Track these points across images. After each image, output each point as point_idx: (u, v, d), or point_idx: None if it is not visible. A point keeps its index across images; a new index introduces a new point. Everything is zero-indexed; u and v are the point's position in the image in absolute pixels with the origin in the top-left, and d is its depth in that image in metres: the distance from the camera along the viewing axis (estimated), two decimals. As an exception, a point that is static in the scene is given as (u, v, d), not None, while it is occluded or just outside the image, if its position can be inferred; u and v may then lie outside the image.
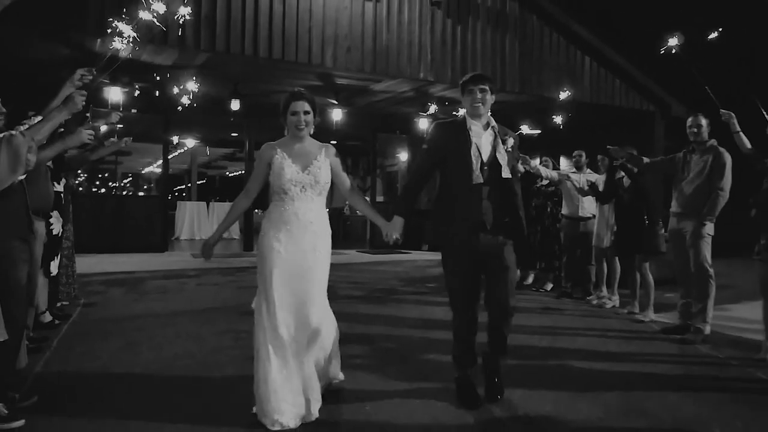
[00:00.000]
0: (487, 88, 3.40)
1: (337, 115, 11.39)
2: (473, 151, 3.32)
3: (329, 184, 3.33)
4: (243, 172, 26.32)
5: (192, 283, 8.04)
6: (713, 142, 5.00)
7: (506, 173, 3.34)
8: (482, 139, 3.37)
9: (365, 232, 15.34)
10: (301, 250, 3.16)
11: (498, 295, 3.37)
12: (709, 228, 4.93)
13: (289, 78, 9.99)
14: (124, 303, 6.38)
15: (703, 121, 5.05)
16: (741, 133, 4.60)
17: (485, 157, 3.34)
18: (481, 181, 3.30)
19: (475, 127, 3.40)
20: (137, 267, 9.22)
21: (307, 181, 3.20)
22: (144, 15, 4.11)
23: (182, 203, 17.26)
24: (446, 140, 3.44)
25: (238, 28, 8.62)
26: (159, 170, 16.36)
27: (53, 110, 3.10)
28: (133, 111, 10.69)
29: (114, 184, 20.47)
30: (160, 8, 4.13)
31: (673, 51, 4.87)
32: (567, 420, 3.28)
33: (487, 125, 3.43)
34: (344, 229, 17.85)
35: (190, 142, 16.70)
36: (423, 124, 11.92)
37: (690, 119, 5.15)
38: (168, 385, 3.74)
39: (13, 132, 2.69)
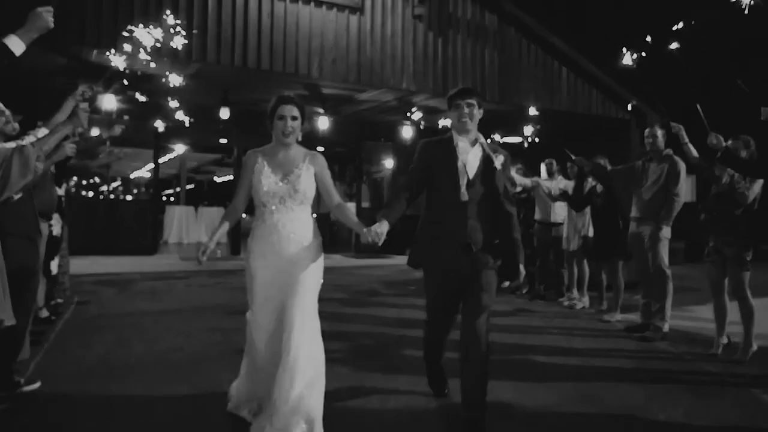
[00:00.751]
0: (474, 102, 3.25)
1: (323, 123, 11.71)
2: (460, 167, 3.20)
3: (313, 193, 3.17)
4: (231, 177, 26.73)
5: (180, 284, 8.32)
6: (669, 151, 5.39)
7: (498, 193, 3.23)
8: (469, 156, 3.23)
9: (351, 236, 15.65)
10: (285, 264, 3.03)
11: (471, 323, 3.19)
12: (666, 232, 5.32)
13: (277, 87, 10.26)
14: (116, 302, 6.66)
15: (659, 132, 5.45)
16: (689, 144, 4.98)
17: (471, 174, 3.21)
18: (466, 199, 3.15)
19: (462, 144, 3.26)
20: (128, 268, 9.49)
21: (285, 191, 3.06)
22: (148, 38, 4.42)
23: (171, 207, 17.48)
24: (432, 158, 3.29)
25: (228, 40, 8.94)
26: (148, 174, 16.61)
27: (59, 124, 3.41)
28: (125, 117, 10.97)
29: (103, 188, 20.63)
30: (158, 34, 4.46)
31: (631, 65, 5.15)
32: (525, 406, 3.62)
33: (474, 141, 3.29)
34: (331, 234, 18.13)
35: (180, 148, 16.94)
36: (407, 132, 12.26)
37: (647, 130, 5.56)
38: (160, 374, 4.05)
39: (24, 143, 3.00)
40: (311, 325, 3.04)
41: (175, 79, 8.36)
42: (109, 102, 9.87)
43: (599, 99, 12.93)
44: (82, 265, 8.89)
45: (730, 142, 4.46)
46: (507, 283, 8.37)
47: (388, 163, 15.69)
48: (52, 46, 8.08)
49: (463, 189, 3.17)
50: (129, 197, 25.21)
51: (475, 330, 3.14)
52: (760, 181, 4.53)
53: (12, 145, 3.02)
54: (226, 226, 3.18)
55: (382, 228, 3.03)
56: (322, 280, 3.17)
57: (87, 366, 4.18)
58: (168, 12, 5.57)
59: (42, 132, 3.58)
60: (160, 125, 9.41)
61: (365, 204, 16.15)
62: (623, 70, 5.29)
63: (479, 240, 3.18)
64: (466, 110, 3.23)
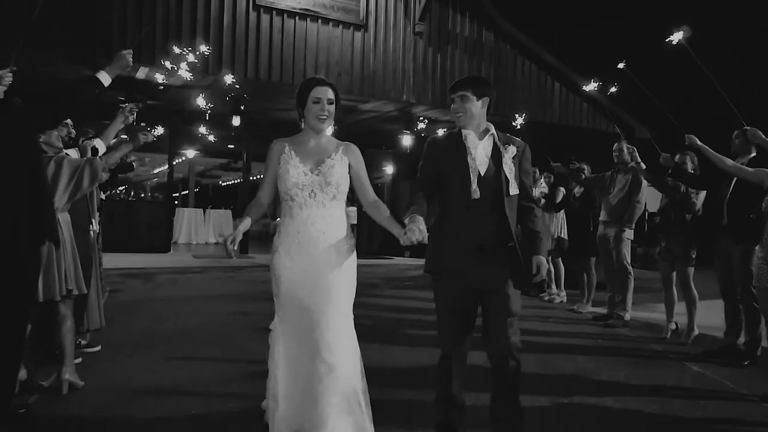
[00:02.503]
0: (467, 93, 2.86)
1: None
2: (469, 162, 2.85)
3: (346, 187, 2.84)
4: (238, 181, 27.51)
5: (198, 277, 9.12)
6: (633, 164, 6.17)
7: (513, 189, 2.84)
8: (478, 149, 2.87)
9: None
10: (314, 266, 2.70)
11: (495, 336, 2.85)
12: (629, 233, 6.10)
13: (286, 98, 11.09)
14: (144, 290, 7.43)
15: (625, 147, 6.23)
16: (641, 163, 5.84)
17: (483, 169, 2.84)
18: (477, 196, 2.81)
19: (471, 137, 2.90)
20: (147, 264, 10.27)
21: (316, 182, 2.74)
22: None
23: (180, 210, 18.23)
24: (441, 154, 2.96)
25: (242, 55, 9.78)
26: (155, 179, 17.42)
27: (123, 144, 4.20)
28: (142, 124, 11.80)
29: (114, 191, 21.33)
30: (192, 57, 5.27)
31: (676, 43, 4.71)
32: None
33: (485, 133, 2.91)
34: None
35: (190, 153, 17.74)
36: (407, 140, 13.03)
37: (615, 145, 6.33)
38: (195, 343, 4.83)
39: (94, 157, 3.80)
40: (348, 337, 2.73)
41: (235, 121, 9.31)
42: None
43: (590, 113, 13.75)
44: (105, 260, 9.67)
45: (678, 156, 5.25)
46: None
47: (389, 169, 16.41)
48: (81, 58, 8.90)
49: (474, 186, 2.82)
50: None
51: (498, 339, 2.83)
52: (704, 192, 5.32)
53: (73, 154, 3.83)
54: (248, 221, 2.81)
55: (420, 224, 2.62)
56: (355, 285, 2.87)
57: (132, 337, 4.95)
58: (202, 42, 6.41)
59: (97, 142, 4.36)
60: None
61: (364, 209, 16.88)
62: (617, 86, 5.84)
63: (491, 243, 2.81)
64: (458, 104, 2.89)
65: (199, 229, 17.98)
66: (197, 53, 6.23)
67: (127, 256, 11.15)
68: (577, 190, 7.34)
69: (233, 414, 3.32)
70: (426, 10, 11.26)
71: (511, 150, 2.88)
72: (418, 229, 2.58)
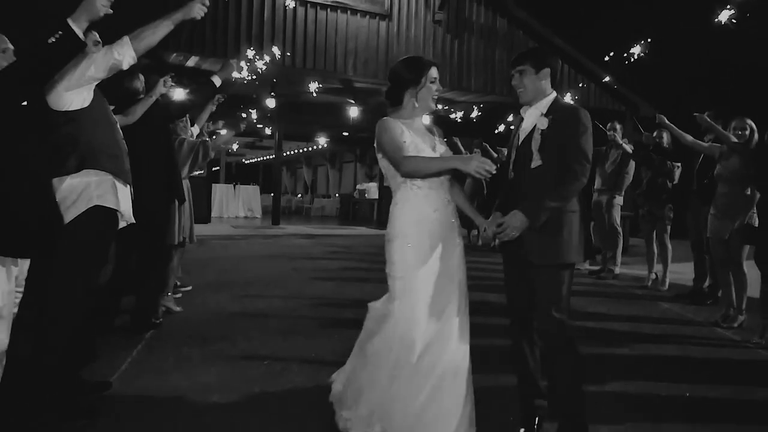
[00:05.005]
0: (525, 68, 2.65)
1: (353, 112, 13.60)
2: (513, 141, 2.75)
3: None
4: (262, 159, 28.75)
5: (242, 242, 10.38)
6: (624, 141, 7.20)
7: (535, 161, 2.58)
8: (523, 124, 2.71)
9: (372, 213, 17.57)
10: (449, 247, 2.57)
11: (538, 313, 2.62)
12: (619, 200, 7.20)
13: (317, 82, 12.18)
14: (202, 252, 8.64)
15: (617, 126, 7.27)
16: (623, 144, 6.90)
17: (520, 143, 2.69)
18: (512, 176, 2.71)
19: (524, 112, 2.74)
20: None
21: None
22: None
23: (214, 185, 19.45)
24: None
25: (280, 42, 10.86)
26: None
27: (228, 131, 5.36)
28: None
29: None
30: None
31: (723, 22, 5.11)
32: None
33: (539, 107, 2.66)
34: (353, 211, 19.99)
35: (224, 131, 18.90)
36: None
37: (609, 125, 7.36)
38: (261, 287, 6.03)
39: (207, 139, 4.96)
40: (465, 340, 2.51)
41: (270, 103, 10.55)
42: (178, 94, 11.92)
43: (597, 92, 14.67)
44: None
45: (655, 133, 6.29)
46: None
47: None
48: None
49: (511, 166, 2.71)
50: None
51: (541, 324, 2.61)
52: (679, 164, 6.38)
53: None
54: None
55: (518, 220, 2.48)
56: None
57: (211, 283, 6.17)
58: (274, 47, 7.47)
59: (195, 129, 5.50)
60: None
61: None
62: (623, 67, 6.59)
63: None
64: (516, 80, 2.69)
65: (230, 203, 19.21)
66: (268, 59, 7.25)
67: (175, 226, 12.44)
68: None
69: (303, 328, 4.53)
70: (445, 0, 12.22)
71: (543, 121, 2.59)
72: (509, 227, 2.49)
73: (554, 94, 2.67)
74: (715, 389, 3.47)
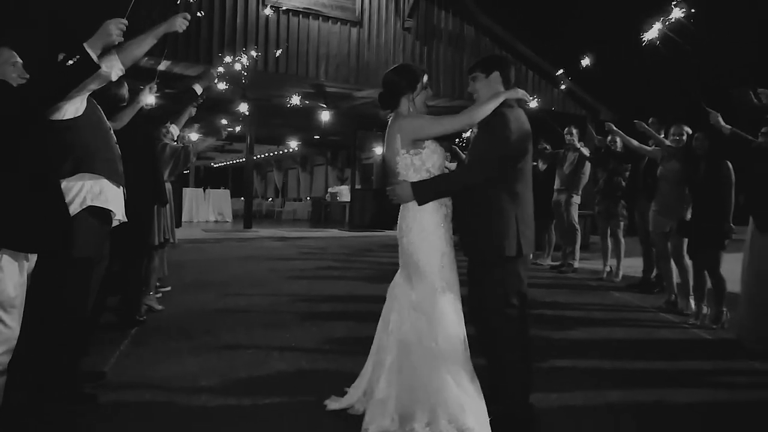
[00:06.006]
0: (477, 74, 2.90)
1: (325, 116, 13.88)
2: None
3: None
4: (231, 162, 28.74)
5: (216, 245, 10.55)
6: (580, 144, 7.68)
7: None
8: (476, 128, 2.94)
9: (344, 215, 17.83)
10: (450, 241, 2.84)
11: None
12: (576, 199, 7.67)
13: (289, 86, 12.44)
14: (178, 254, 8.81)
15: (574, 130, 7.74)
16: (581, 148, 7.37)
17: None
18: None
19: None
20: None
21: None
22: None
23: (184, 189, 19.43)
24: None
25: (252, 48, 11.08)
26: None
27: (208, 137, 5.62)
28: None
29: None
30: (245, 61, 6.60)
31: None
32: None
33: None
34: (325, 214, 20.21)
35: (193, 136, 18.93)
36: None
37: (566, 129, 7.83)
38: (242, 286, 6.28)
39: (188, 144, 5.20)
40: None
41: (244, 107, 10.75)
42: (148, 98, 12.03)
43: (560, 97, 15.26)
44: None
45: (609, 138, 6.78)
46: None
47: (378, 150, 17.69)
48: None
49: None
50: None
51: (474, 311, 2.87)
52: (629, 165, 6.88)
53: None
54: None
55: None
56: None
57: (191, 283, 6.39)
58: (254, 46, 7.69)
59: (173, 128, 5.75)
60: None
61: (357, 186, 18.22)
62: (584, 73, 6.97)
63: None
64: (470, 86, 2.95)
65: (200, 207, 19.21)
66: (246, 61, 7.46)
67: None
68: (541, 165, 8.81)
69: (282, 321, 4.83)
70: (414, 8, 12.64)
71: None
72: None
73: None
74: (653, 363, 3.91)
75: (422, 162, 2.77)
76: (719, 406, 3.22)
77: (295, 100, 11.15)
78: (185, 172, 24.51)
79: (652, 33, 3.99)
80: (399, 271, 2.94)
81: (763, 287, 4.22)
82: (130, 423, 2.83)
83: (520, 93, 2.80)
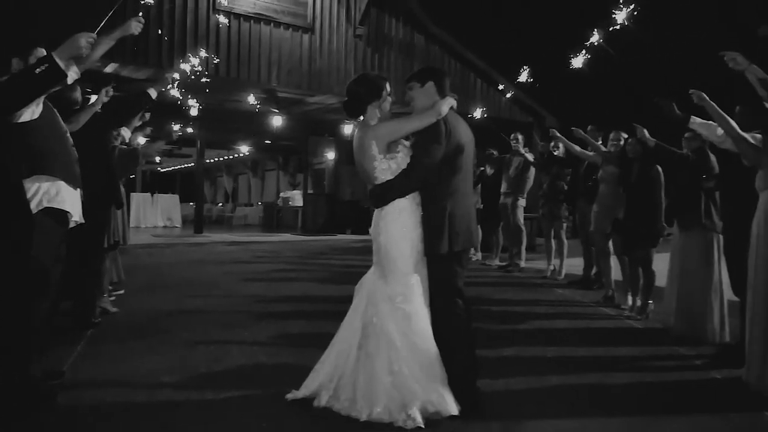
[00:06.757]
0: (412, 84, 3.12)
1: (277, 121, 13.92)
2: None
3: None
4: (180, 167, 28.20)
5: (167, 250, 10.45)
6: (525, 150, 8.06)
7: None
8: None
9: (297, 220, 17.84)
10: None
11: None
12: (522, 202, 8.05)
13: (241, 91, 12.43)
14: (125, 259, 8.65)
15: (519, 137, 8.13)
16: (525, 154, 7.76)
17: None
18: None
19: None
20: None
21: None
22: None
23: (131, 194, 19.00)
24: None
25: (203, 52, 11.03)
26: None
27: (158, 142, 5.63)
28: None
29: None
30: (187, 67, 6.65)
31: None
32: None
33: None
34: (277, 219, 20.14)
35: (141, 140, 18.55)
36: (348, 129, 14.59)
37: (512, 135, 8.20)
38: (196, 288, 6.30)
39: (137, 147, 5.22)
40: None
41: (194, 111, 10.66)
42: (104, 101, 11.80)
43: (507, 105, 15.80)
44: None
45: (552, 143, 7.17)
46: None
47: (330, 155, 17.81)
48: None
49: None
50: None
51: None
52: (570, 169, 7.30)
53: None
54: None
55: None
56: None
57: (145, 287, 6.35)
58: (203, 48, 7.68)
59: (127, 133, 5.75)
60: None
61: (310, 191, 18.26)
62: (531, 81, 7.29)
63: None
64: (407, 96, 3.14)
65: (148, 212, 18.81)
66: (198, 64, 7.47)
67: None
68: (489, 170, 9.17)
69: (239, 321, 4.92)
70: (365, 16, 12.87)
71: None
72: None
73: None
74: (590, 350, 4.24)
75: (398, 165, 2.95)
76: (649, 387, 3.53)
77: (251, 99, 11.16)
78: (131, 176, 24.04)
79: (593, 42, 4.34)
80: (372, 268, 3.09)
81: (685, 281, 4.62)
82: (91, 421, 2.87)
83: (453, 102, 3.05)
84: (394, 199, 2.97)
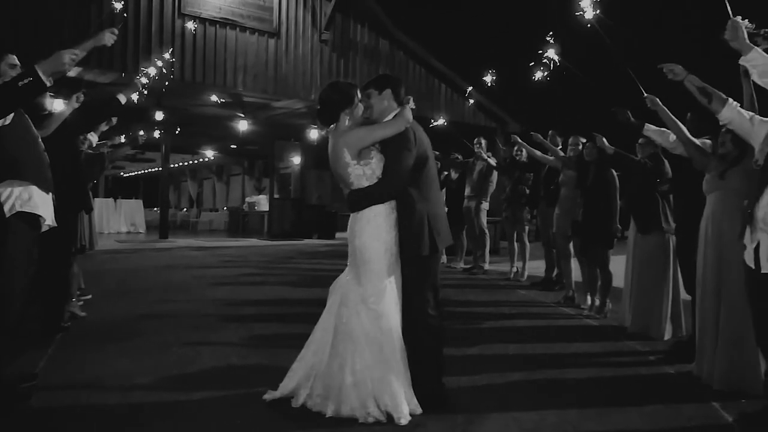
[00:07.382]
0: (370, 91, 3.21)
1: (243, 125, 13.91)
2: None
3: None
4: (143, 172, 27.73)
5: (133, 255, 10.33)
6: (487, 155, 8.30)
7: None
8: None
9: (263, 225, 17.80)
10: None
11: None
12: (485, 205, 8.29)
13: (207, 95, 12.38)
14: (95, 264, 8.60)
15: (482, 141, 8.37)
16: (488, 159, 8.01)
17: None
18: None
19: None
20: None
21: None
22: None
23: (94, 200, 18.62)
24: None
25: (167, 56, 10.97)
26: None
27: (124, 145, 5.63)
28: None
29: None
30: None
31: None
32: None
33: None
34: (243, 224, 20.02)
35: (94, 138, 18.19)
36: (313, 134, 14.67)
37: (475, 140, 8.44)
38: (163, 293, 6.30)
39: (104, 152, 5.23)
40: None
41: (159, 116, 10.56)
42: (57, 105, 11.57)
43: (471, 110, 16.11)
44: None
45: (515, 148, 7.43)
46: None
47: (296, 159, 17.78)
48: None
49: None
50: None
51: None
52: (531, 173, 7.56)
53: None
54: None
55: None
56: None
57: (113, 291, 6.31)
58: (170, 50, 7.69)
59: (94, 138, 5.72)
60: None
61: (276, 195, 18.22)
62: (493, 87, 7.48)
63: None
64: (365, 102, 3.19)
65: (111, 218, 18.45)
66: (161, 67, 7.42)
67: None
68: (453, 174, 9.38)
69: (209, 323, 4.97)
70: (331, 21, 13.01)
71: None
72: None
73: (398, 110, 3.18)
74: (550, 347, 4.44)
75: (372, 171, 3.06)
76: (606, 381, 3.75)
77: (214, 98, 11.17)
78: (94, 181, 23.58)
79: (550, 51, 4.57)
80: (346, 269, 3.19)
81: (640, 281, 4.88)
82: (66, 421, 2.91)
83: (411, 107, 3.20)
84: (370, 206, 3.07)
